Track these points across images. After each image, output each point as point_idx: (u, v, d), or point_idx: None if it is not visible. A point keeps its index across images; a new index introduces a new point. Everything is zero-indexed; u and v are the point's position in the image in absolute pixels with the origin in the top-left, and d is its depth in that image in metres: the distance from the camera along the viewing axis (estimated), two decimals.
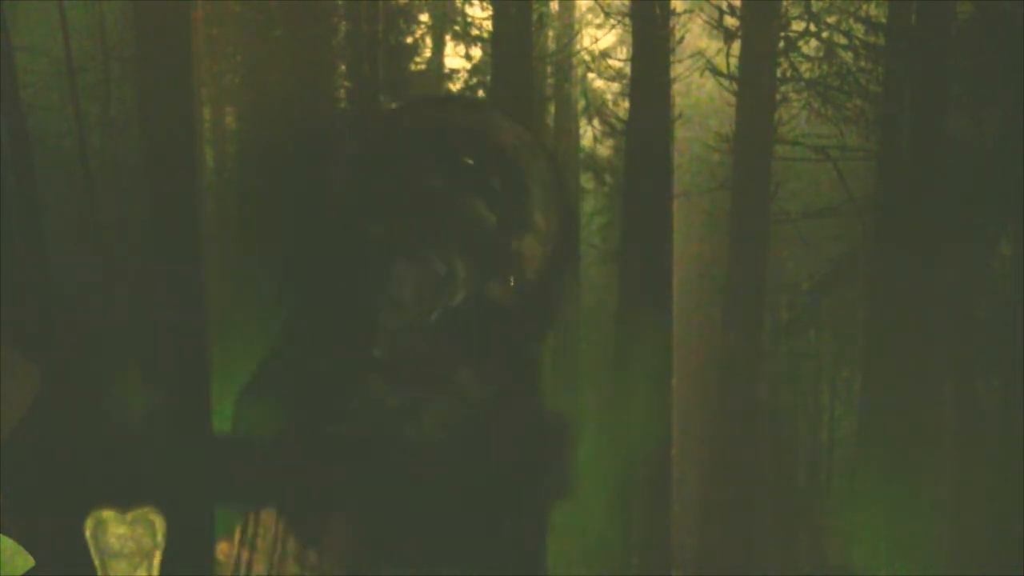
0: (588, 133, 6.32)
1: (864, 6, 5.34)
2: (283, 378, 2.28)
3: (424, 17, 5.95)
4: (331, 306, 2.21)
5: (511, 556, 2.17)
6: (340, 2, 5.41)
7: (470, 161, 2.10)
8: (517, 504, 2.18)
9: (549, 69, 6.12)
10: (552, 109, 6.22)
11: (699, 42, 5.60)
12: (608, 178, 6.22)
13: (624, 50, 5.91)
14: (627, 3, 5.59)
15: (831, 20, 5.44)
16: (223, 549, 2.17)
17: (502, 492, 2.15)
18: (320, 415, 2.21)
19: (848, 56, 5.35)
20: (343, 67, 5.49)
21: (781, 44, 5.48)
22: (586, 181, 6.37)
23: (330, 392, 2.21)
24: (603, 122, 6.21)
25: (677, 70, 5.46)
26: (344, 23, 5.46)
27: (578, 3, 6.06)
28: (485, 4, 5.88)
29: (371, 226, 2.12)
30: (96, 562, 2.22)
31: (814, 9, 5.40)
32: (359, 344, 2.15)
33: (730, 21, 5.48)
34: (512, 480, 2.17)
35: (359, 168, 2.21)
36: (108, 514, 2.24)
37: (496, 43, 5.61)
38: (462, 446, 2.14)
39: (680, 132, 5.57)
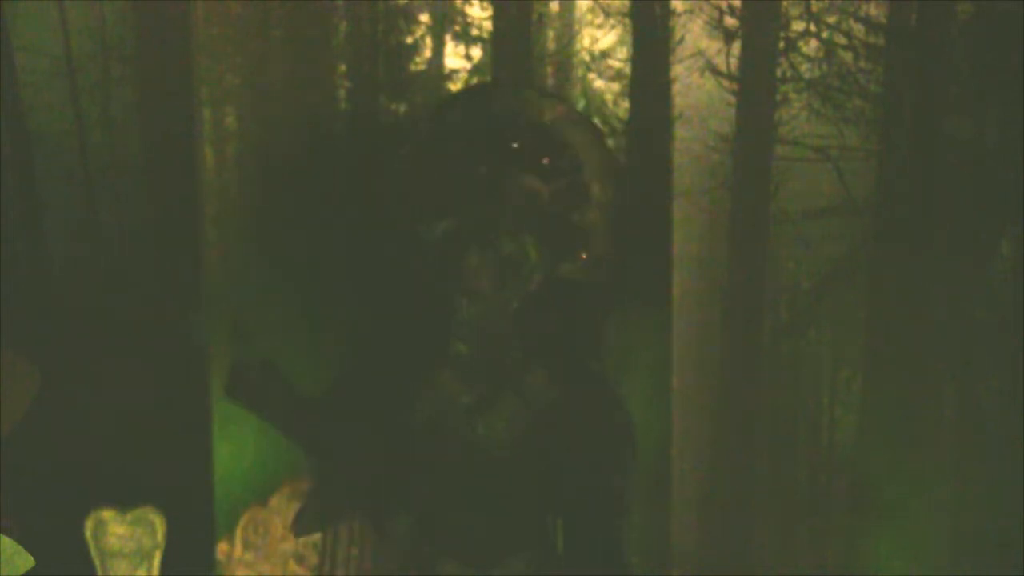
0: None
1: (864, 6, 5.33)
2: (358, 384, 2.27)
3: (424, 17, 5.94)
4: (406, 307, 2.20)
5: (585, 559, 2.16)
6: (340, 2, 5.40)
7: (516, 145, 2.10)
8: (586, 506, 2.17)
9: (549, 69, 6.11)
10: None
11: (699, 42, 5.59)
12: None
13: (624, 50, 5.90)
14: (627, 3, 5.59)
15: (831, 20, 5.43)
16: (223, 549, 2.17)
17: (570, 494, 2.14)
18: (393, 412, 2.20)
19: (848, 56, 5.35)
20: (343, 67, 5.49)
21: (781, 44, 5.48)
22: None
23: (402, 388, 2.21)
24: (603, 122, 6.20)
25: (677, 70, 5.46)
26: (344, 23, 5.46)
27: (578, 3, 6.05)
28: (485, 4, 5.87)
29: (437, 223, 2.13)
30: (96, 562, 2.22)
31: (814, 9, 5.40)
32: (440, 341, 2.16)
33: (730, 21, 5.48)
34: (582, 482, 2.16)
35: (412, 169, 2.21)
36: (108, 514, 2.25)
37: (496, 43, 5.61)
38: (533, 446, 2.13)
39: (680, 132, 5.56)
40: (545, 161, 2.10)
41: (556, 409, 2.15)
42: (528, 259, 2.12)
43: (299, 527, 2.16)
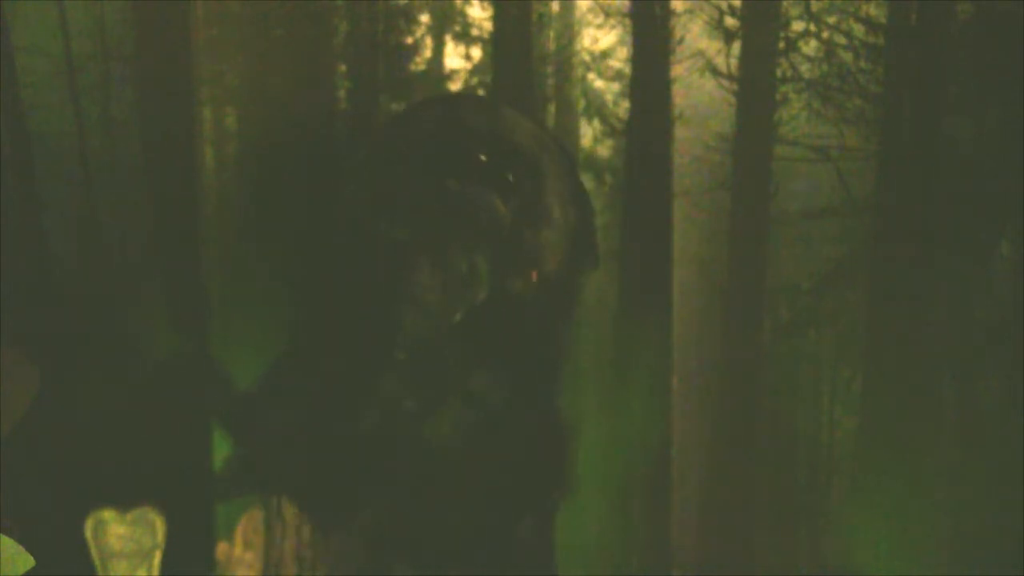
0: (588, 133, 6.32)
1: (864, 6, 5.34)
2: (296, 378, 2.27)
3: (424, 17, 5.95)
4: (351, 309, 2.19)
5: (522, 556, 2.16)
6: (340, 3, 5.41)
7: (484, 157, 2.09)
8: (528, 505, 2.17)
9: (549, 69, 6.12)
10: (552, 109, 6.23)
11: (699, 42, 5.60)
12: (608, 178, 6.22)
13: (624, 50, 5.91)
14: (627, 3, 5.60)
15: (831, 20, 5.43)
16: (223, 549, 2.17)
17: (514, 494, 2.14)
18: (335, 415, 2.20)
19: (848, 56, 5.35)
20: (343, 67, 5.49)
21: (781, 44, 5.48)
22: (586, 181, 6.36)
23: (346, 392, 2.20)
24: (603, 122, 6.21)
25: (677, 70, 5.46)
26: (344, 24, 5.46)
27: (578, 3, 6.06)
28: (485, 4, 5.88)
29: (394, 229, 2.11)
30: (96, 562, 2.22)
31: (814, 9, 5.40)
32: (382, 347, 2.14)
33: (730, 21, 5.48)
34: (524, 482, 2.16)
35: (372, 172, 2.20)
36: (108, 514, 2.24)
37: (496, 43, 5.61)
38: (477, 448, 2.13)
39: (680, 132, 5.57)
40: (510, 177, 2.09)
41: (500, 414, 2.15)
42: (478, 277, 2.10)
43: (222, 490, 2.16)
